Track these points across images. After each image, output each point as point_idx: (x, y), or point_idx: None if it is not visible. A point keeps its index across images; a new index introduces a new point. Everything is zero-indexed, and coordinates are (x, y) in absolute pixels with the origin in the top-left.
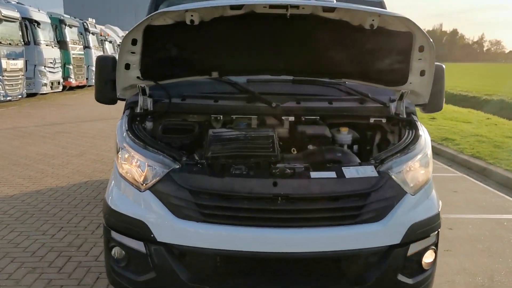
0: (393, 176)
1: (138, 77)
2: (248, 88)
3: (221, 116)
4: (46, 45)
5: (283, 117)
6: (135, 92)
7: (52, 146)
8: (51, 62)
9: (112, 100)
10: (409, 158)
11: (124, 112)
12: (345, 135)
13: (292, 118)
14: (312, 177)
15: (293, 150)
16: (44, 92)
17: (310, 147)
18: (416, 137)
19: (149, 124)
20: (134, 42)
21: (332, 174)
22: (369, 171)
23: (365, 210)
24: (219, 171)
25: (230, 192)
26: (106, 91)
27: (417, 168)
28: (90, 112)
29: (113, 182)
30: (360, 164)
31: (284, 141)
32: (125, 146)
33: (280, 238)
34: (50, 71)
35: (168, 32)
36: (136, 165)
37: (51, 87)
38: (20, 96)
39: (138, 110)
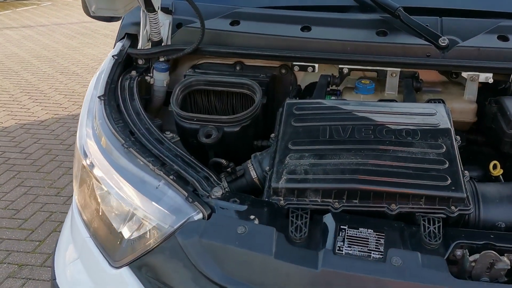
0: None
1: None
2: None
3: (316, 66)
4: None
5: (463, 74)
6: (133, 5)
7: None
8: None
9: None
10: None
11: (114, 48)
12: None
13: (487, 78)
14: None
15: (495, 167)
16: None
17: None
18: None
19: (159, 79)
20: None
21: None
22: None
23: None
24: (311, 241)
25: None
26: None
27: None
28: None
29: (65, 230)
30: None
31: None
32: (92, 155)
33: None
34: None
35: None
36: (110, 205)
37: None
38: None
39: (139, 45)
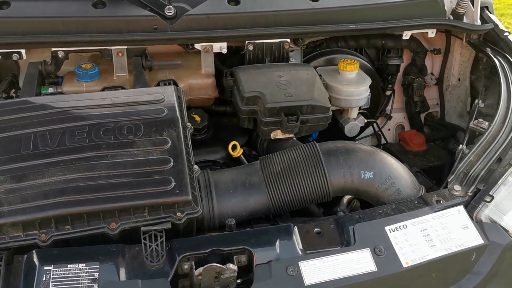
0: None
1: None
2: None
3: (23, 52)
4: None
5: (196, 46)
6: None
7: None
8: None
9: None
10: None
11: None
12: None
13: (221, 47)
14: None
15: (234, 148)
16: None
17: (279, 135)
18: None
19: None
20: None
21: None
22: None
23: None
24: None
25: None
26: None
27: None
28: None
29: None
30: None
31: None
32: None
33: None
34: None
35: None
36: None
37: None
38: None
39: None
